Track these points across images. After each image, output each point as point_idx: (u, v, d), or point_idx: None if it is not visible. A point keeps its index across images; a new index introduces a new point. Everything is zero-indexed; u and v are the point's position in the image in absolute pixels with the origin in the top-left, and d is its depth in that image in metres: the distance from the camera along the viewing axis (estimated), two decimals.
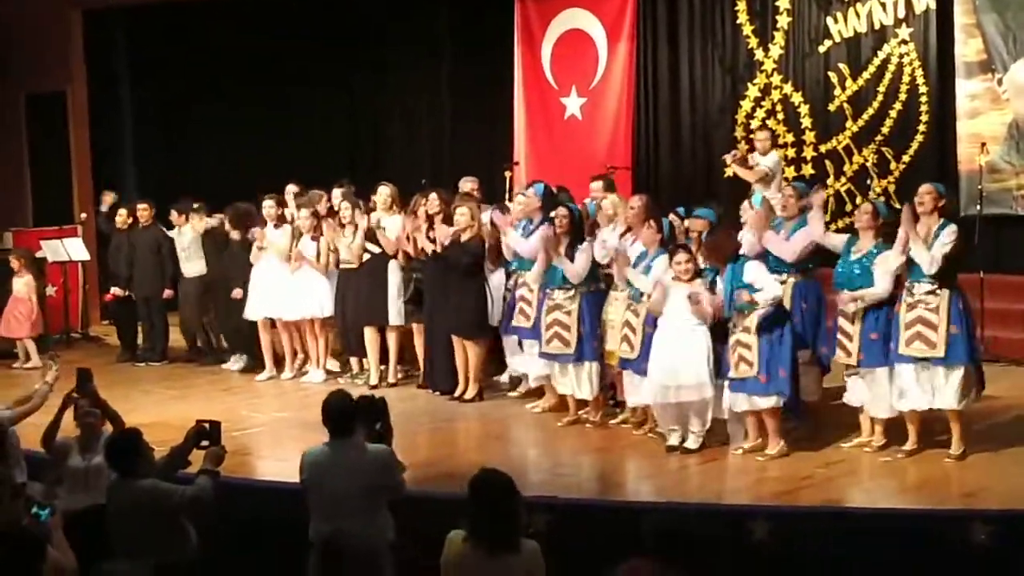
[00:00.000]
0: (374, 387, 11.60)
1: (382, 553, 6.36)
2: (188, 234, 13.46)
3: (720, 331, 9.24)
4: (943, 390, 8.74)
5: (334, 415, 6.77)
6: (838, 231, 10.98)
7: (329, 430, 6.78)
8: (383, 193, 12.08)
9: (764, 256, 9.38)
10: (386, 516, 6.70)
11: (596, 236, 10.42)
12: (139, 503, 6.64)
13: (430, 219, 11.49)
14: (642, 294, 9.64)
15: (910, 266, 8.75)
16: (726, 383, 9.18)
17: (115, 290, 14.01)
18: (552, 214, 10.50)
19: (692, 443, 9.35)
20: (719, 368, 9.22)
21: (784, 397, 8.99)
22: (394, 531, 6.68)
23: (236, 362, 13.26)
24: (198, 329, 13.75)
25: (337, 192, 12.69)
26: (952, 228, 8.78)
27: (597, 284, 10.28)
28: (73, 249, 15.06)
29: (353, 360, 12.43)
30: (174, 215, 13.67)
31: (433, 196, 11.61)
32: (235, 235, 12.89)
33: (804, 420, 9.59)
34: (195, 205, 13.50)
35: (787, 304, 9.40)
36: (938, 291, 8.69)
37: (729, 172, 13.27)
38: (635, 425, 10.11)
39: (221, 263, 13.17)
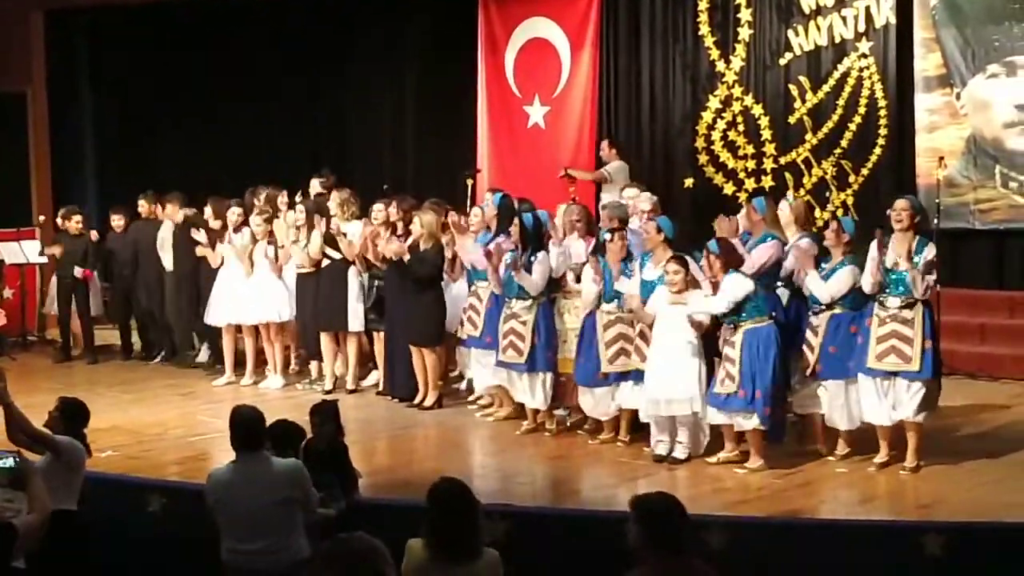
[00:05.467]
0: (328, 392, 11.58)
1: (298, 573, 6.14)
2: (166, 226, 13.45)
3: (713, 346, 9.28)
4: (905, 403, 8.81)
5: (241, 429, 6.57)
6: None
7: (236, 445, 6.58)
8: (333, 199, 12.09)
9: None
10: (301, 534, 6.48)
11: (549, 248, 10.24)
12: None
13: (392, 226, 11.48)
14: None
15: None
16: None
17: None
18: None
19: (679, 453, 9.34)
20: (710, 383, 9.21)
21: (762, 420, 8.89)
22: (310, 550, 6.34)
23: (203, 353, 13.33)
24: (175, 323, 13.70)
25: (315, 182, 12.74)
26: (932, 247, 8.89)
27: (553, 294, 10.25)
28: (31, 251, 14.96)
29: (313, 365, 12.40)
30: (145, 207, 13.68)
31: (393, 204, 11.61)
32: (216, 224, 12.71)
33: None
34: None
35: None
36: (913, 305, 8.78)
37: (688, 183, 13.31)
38: (590, 434, 10.13)
39: (192, 257, 13.09)
